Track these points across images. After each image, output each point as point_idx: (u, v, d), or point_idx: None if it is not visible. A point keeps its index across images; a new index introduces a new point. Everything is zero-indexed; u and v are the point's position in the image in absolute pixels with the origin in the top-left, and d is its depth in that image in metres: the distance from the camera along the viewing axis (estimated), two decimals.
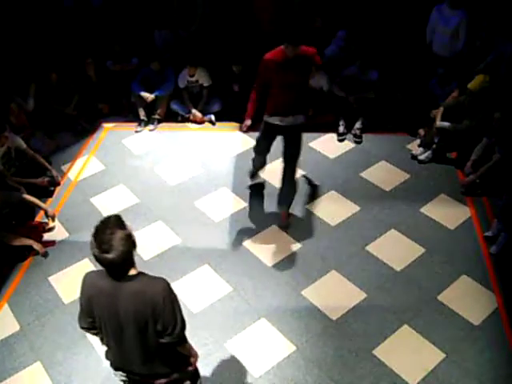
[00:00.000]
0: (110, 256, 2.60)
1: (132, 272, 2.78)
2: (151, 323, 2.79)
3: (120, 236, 2.64)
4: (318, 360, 4.47)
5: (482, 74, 6.27)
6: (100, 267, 2.75)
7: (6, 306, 5.08)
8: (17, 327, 4.87)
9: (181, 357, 3.17)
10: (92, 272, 2.95)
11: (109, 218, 2.72)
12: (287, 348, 4.58)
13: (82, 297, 2.92)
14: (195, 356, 3.28)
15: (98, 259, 2.64)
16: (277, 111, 5.24)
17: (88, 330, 3.07)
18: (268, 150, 5.79)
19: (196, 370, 3.44)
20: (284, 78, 5.01)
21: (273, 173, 6.36)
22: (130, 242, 2.70)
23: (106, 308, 2.82)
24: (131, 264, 2.77)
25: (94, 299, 2.85)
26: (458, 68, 6.88)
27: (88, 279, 2.91)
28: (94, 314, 2.91)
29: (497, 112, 5.78)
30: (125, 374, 3.18)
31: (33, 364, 4.55)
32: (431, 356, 4.46)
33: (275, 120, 5.28)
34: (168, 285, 2.83)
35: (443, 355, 4.45)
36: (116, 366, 3.17)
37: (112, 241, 2.60)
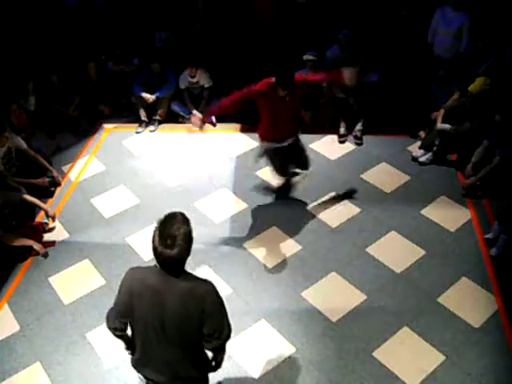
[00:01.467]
0: (172, 252, 2.60)
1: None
2: (196, 324, 2.75)
3: (185, 232, 2.65)
4: (318, 361, 4.47)
5: (483, 76, 6.27)
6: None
7: (5, 306, 5.08)
8: (17, 327, 4.87)
9: (208, 363, 3.14)
10: (137, 268, 2.92)
11: (175, 213, 2.73)
12: (287, 349, 4.58)
13: (123, 291, 2.85)
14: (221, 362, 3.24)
15: (159, 254, 2.62)
16: (275, 137, 5.33)
17: (115, 330, 2.98)
18: (288, 163, 5.79)
19: None
20: (277, 112, 5.08)
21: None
22: (191, 240, 2.71)
23: (151, 304, 2.76)
24: (185, 262, 2.75)
25: (138, 294, 2.78)
26: (459, 70, 6.89)
27: (133, 274, 2.87)
28: (133, 311, 2.83)
29: (497, 114, 5.78)
30: (147, 377, 3.11)
31: (32, 364, 4.54)
32: (431, 358, 4.45)
33: (274, 145, 5.38)
34: (215, 287, 2.82)
35: (443, 357, 4.45)
36: (143, 368, 3.07)
37: (178, 236, 2.61)
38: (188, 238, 2.68)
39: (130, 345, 3.11)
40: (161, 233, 2.63)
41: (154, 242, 2.64)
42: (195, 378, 3.04)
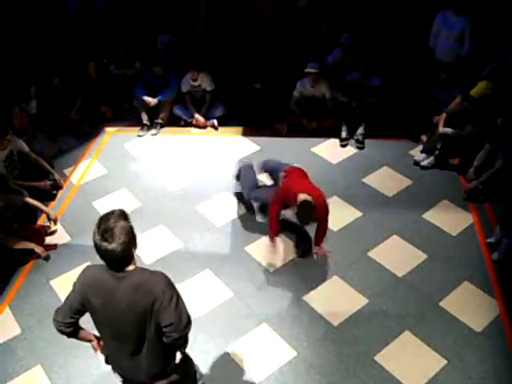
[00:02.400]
0: (110, 246, 2.62)
1: (131, 267, 2.79)
2: (149, 317, 2.77)
3: (123, 226, 2.68)
4: (319, 365, 4.46)
5: (485, 80, 6.27)
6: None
7: (7, 309, 5.08)
8: (18, 330, 4.87)
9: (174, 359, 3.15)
10: (93, 265, 2.94)
11: (113, 210, 2.76)
12: (288, 353, 4.57)
13: (78, 288, 2.89)
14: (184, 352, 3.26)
15: (99, 249, 2.66)
16: None
17: (60, 324, 2.96)
18: None
19: (194, 376, 3.41)
20: None
21: None
22: (131, 235, 2.73)
23: (105, 301, 2.80)
24: (130, 257, 2.77)
25: (92, 290, 2.83)
26: (460, 74, 6.89)
27: (88, 271, 2.92)
28: (90, 308, 2.87)
29: (499, 118, 5.78)
30: (121, 375, 3.17)
31: (33, 367, 4.54)
32: (433, 362, 4.44)
33: None
34: (167, 278, 2.83)
35: (445, 361, 4.44)
36: (112, 366, 3.16)
37: (114, 229, 2.64)
38: (127, 232, 2.69)
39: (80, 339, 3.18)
40: (98, 227, 2.67)
41: (93, 237, 2.68)
42: (160, 374, 3.06)
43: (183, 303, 2.87)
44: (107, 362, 3.20)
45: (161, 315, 2.76)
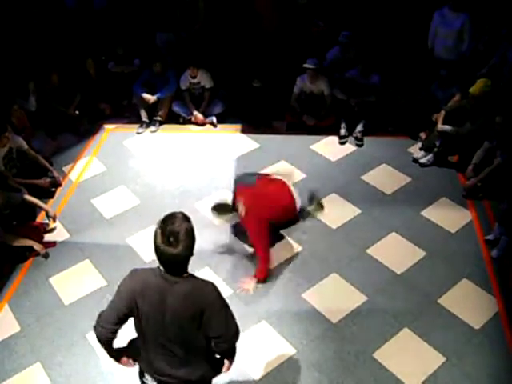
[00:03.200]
0: (175, 250, 2.57)
1: (184, 273, 2.75)
2: (196, 325, 2.73)
3: (187, 228, 2.63)
4: (319, 363, 4.47)
5: (484, 78, 6.27)
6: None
7: (6, 306, 5.08)
8: (17, 328, 4.87)
9: (217, 364, 3.14)
10: (138, 269, 2.88)
11: (175, 212, 2.70)
12: (287, 351, 4.58)
13: (124, 295, 2.80)
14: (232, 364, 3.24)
15: (162, 253, 2.60)
16: None
17: (110, 332, 2.88)
18: None
19: None
20: None
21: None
22: (194, 237, 2.68)
23: (153, 305, 2.74)
24: (189, 262, 2.72)
25: (141, 295, 2.75)
26: (460, 71, 6.88)
27: (136, 275, 2.83)
28: (137, 311, 2.79)
29: (498, 116, 5.78)
30: (155, 380, 3.10)
31: (33, 365, 4.54)
32: (431, 359, 4.45)
33: None
34: (217, 289, 2.79)
35: (443, 359, 4.45)
36: (147, 370, 3.09)
37: (180, 233, 2.58)
38: (191, 235, 2.65)
39: (111, 351, 3.08)
40: (163, 231, 2.60)
41: (155, 241, 2.61)
42: (198, 381, 3.02)
43: (232, 314, 2.85)
44: (141, 371, 3.13)
45: (209, 325, 2.73)
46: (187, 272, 2.76)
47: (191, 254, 2.69)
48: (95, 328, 2.90)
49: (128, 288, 2.80)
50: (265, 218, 5.09)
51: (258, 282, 5.14)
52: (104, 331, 2.88)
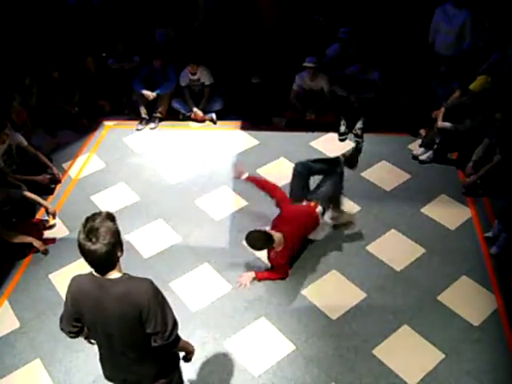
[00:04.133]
0: (94, 246, 2.58)
1: (117, 274, 2.75)
2: (139, 326, 2.75)
3: (109, 226, 2.63)
4: (318, 359, 4.47)
5: (484, 74, 6.27)
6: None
7: (6, 302, 5.09)
8: (17, 324, 4.87)
9: (172, 357, 3.14)
10: (78, 275, 2.89)
11: (101, 211, 2.72)
12: (287, 347, 4.58)
13: (68, 300, 2.88)
14: (193, 351, 3.26)
15: (82, 248, 2.61)
16: None
17: (68, 333, 3.01)
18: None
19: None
20: None
21: (273, 171, 6.42)
22: (117, 238, 2.68)
23: (94, 312, 2.78)
24: (115, 261, 2.73)
25: (81, 303, 2.81)
26: (460, 68, 6.88)
27: (74, 282, 2.87)
28: (83, 319, 2.87)
29: (498, 113, 5.78)
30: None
31: (32, 361, 4.55)
32: (431, 356, 4.46)
33: None
34: (152, 285, 2.78)
35: (443, 355, 4.45)
36: (107, 375, 3.16)
37: (100, 229, 2.59)
38: (111, 233, 2.64)
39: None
40: (84, 227, 2.63)
41: (78, 237, 2.64)
42: (155, 376, 3.05)
43: (170, 309, 2.84)
44: (106, 375, 3.18)
45: (147, 323, 2.74)
46: (119, 271, 2.77)
47: (114, 252, 2.68)
48: (61, 330, 3.04)
49: (70, 295, 2.87)
50: (299, 237, 5.13)
51: (256, 279, 5.15)
52: (66, 333, 3.03)
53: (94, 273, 2.75)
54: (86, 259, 2.67)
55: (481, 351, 4.49)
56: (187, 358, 3.28)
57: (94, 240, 2.58)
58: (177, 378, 3.23)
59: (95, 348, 4.57)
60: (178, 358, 3.20)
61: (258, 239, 4.79)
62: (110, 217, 2.70)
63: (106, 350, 2.99)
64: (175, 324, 2.86)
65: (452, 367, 4.36)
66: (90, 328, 2.93)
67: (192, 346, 3.25)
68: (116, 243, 2.67)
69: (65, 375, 4.43)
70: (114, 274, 2.74)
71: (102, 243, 2.59)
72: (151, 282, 2.80)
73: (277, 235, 4.88)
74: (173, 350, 2.99)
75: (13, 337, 4.76)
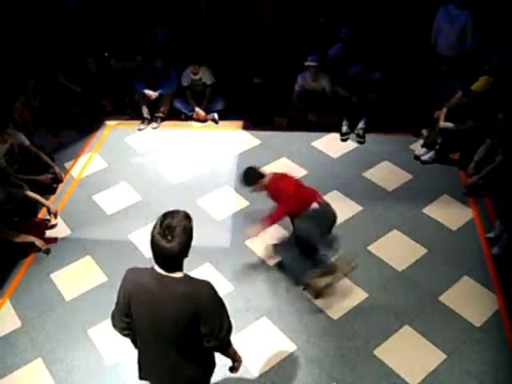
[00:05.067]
0: (168, 244, 2.58)
1: (179, 274, 2.74)
2: (193, 326, 2.74)
3: (185, 226, 2.65)
4: (319, 359, 4.47)
5: (486, 75, 6.26)
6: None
7: (7, 302, 5.09)
8: (18, 324, 4.88)
9: (210, 366, 3.15)
10: (135, 268, 2.90)
11: (179, 210, 2.74)
12: (288, 347, 4.58)
13: (122, 292, 2.85)
14: (239, 361, 3.26)
15: (155, 244, 2.61)
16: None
17: (121, 330, 2.98)
18: None
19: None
20: None
21: (275, 171, 6.41)
22: (191, 238, 2.70)
23: (148, 307, 2.75)
24: (183, 259, 2.73)
25: (135, 296, 2.78)
26: (462, 68, 6.87)
27: (130, 275, 2.86)
28: (131, 312, 2.84)
29: (500, 113, 5.78)
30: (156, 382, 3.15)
31: (34, 360, 4.55)
32: (432, 357, 4.45)
33: None
34: (212, 287, 2.79)
35: (444, 356, 4.45)
36: (145, 373, 3.10)
37: (177, 228, 2.60)
38: (187, 233, 2.66)
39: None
40: (161, 223, 2.63)
41: (152, 231, 2.64)
42: (195, 379, 3.03)
43: (226, 312, 2.85)
44: (141, 374, 3.13)
45: (204, 324, 2.74)
46: (181, 271, 2.76)
47: (185, 252, 2.70)
48: (113, 326, 3.00)
49: (124, 288, 2.85)
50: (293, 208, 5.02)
51: (263, 229, 4.94)
52: (118, 331, 2.98)
53: (156, 268, 2.73)
54: (156, 255, 2.67)
55: (482, 352, 4.48)
56: (234, 367, 3.28)
57: (169, 238, 2.59)
58: None
59: (96, 347, 4.61)
60: (213, 371, 3.19)
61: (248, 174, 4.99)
62: (188, 217, 2.73)
63: (150, 348, 2.93)
64: (230, 327, 2.87)
65: (453, 368, 4.36)
66: (136, 324, 2.88)
67: (240, 357, 3.24)
68: (189, 244, 2.69)
69: (66, 375, 4.42)
70: (177, 273, 2.74)
71: (178, 242, 2.60)
72: (210, 284, 2.80)
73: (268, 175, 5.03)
74: (224, 352, 3.02)
75: (14, 336, 4.77)
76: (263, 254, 5.48)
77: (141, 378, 3.13)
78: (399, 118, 7.37)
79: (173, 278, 2.72)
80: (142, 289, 2.75)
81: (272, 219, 4.94)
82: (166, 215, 2.67)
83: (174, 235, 2.59)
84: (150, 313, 2.76)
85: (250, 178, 4.95)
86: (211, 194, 6.34)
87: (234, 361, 3.23)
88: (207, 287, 2.78)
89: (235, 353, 3.17)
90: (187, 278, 2.77)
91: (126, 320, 2.91)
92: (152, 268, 2.75)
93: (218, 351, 3.01)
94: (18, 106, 6.67)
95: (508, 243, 5.30)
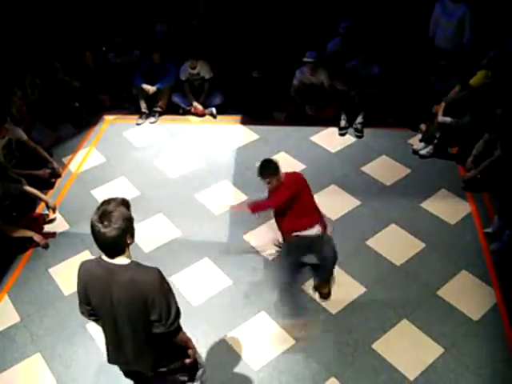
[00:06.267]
0: (104, 229, 2.64)
1: (125, 260, 2.80)
2: (143, 313, 2.82)
3: (122, 212, 2.70)
4: (317, 354, 4.48)
5: (485, 69, 6.25)
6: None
7: (6, 297, 5.09)
8: (17, 318, 4.88)
9: (175, 349, 3.19)
10: (88, 260, 2.98)
11: (117, 197, 2.79)
12: (286, 341, 4.59)
13: (78, 284, 2.96)
14: (193, 348, 3.29)
15: (93, 229, 2.68)
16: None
17: (88, 316, 3.10)
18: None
19: (194, 363, 3.45)
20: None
21: None
22: (129, 224, 2.74)
23: (101, 296, 2.85)
24: (123, 246, 2.78)
25: (89, 287, 2.88)
26: (460, 62, 6.87)
27: (83, 267, 2.95)
28: (91, 302, 2.94)
29: (498, 107, 5.77)
30: (122, 368, 3.25)
31: (33, 355, 4.56)
32: (430, 350, 4.47)
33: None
34: (160, 273, 2.84)
35: (442, 350, 4.46)
36: (110, 359, 3.20)
37: (113, 213, 2.66)
38: (124, 219, 2.70)
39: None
40: (98, 209, 2.71)
41: (92, 218, 2.70)
42: (158, 364, 3.13)
43: (174, 298, 2.91)
44: (108, 358, 3.22)
45: (152, 310, 2.81)
46: (126, 258, 2.81)
47: (123, 237, 2.73)
48: (81, 313, 3.13)
49: (79, 280, 2.95)
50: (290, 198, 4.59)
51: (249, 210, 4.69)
52: (86, 316, 3.13)
53: (103, 257, 2.82)
54: (96, 241, 2.73)
55: (480, 346, 4.50)
56: (187, 354, 3.29)
57: (105, 223, 2.65)
58: (182, 369, 3.30)
59: (95, 342, 4.62)
60: (178, 351, 3.23)
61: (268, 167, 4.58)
62: (125, 203, 2.79)
63: (111, 334, 3.04)
64: (178, 313, 2.92)
65: (451, 361, 4.37)
66: (97, 312, 2.99)
67: (192, 344, 3.27)
68: (127, 229, 2.73)
69: (65, 369, 4.44)
70: (122, 260, 2.80)
71: (113, 227, 2.65)
72: (158, 270, 2.85)
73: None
74: (172, 338, 3.04)
75: (13, 331, 4.78)
76: (262, 248, 5.48)
77: (109, 362, 3.22)
78: (397, 112, 7.37)
79: (119, 265, 2.79)
80: (93, 278, 2.86)
81: (260, 208, 4.69)
82: (103, 202, 2.74)
83: (110, 220, 2.65)
84: (104, 301, 2.86)
85: (273, 168, 4.55)
86: (209, 188, 6.34)
87: (187, 348, 3.25)
88: (154, 273, 2.82)
89: (187, 340, 3.21)
90: (133, 265, 2.82)
91: (89, 308, 3.01)
92: (100, 257, 2.84)
93: (168, 337, 3.02)
94: (15, 101, 6.65)
95: (509, 239, 5.28)
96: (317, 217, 4.61)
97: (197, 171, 6.65)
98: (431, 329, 4.63)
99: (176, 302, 2.91)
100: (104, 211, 2.67)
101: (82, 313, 3.10)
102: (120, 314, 2.85)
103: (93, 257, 5.33)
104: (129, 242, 2.79)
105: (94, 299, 2.90)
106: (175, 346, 3.17)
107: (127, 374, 3.40)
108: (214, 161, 6.83)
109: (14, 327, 4.81)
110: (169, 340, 3.05)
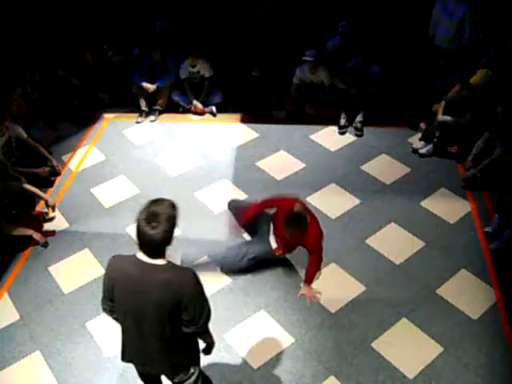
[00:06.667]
0: (151, 231, 2.63)
1: (162, 261, 2.78)
2: (175, 313, 2.81)
3: (169, 214, 2.70)
4: (317, 352, 4.49)
5: (485, 68, 6.25)
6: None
7: (5, 295, 5.09)
8: (16, 316, 4.88)
9: (196, 354, 3.22)
10: (120, 256, 2.95)
11: (164, 198, 2.80)
12: (286, 340, 4.60)
13: (106, 279, 2.92)
14: (213, 343, 3.32)
15: (139, 230, 2.66)
16: None
17: (110, 313, 3.07)
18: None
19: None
20: None
21: (273, 164, 6.42)
22: (174, 225, 2.74)
23: (131, 294, 2.81)
24: (164, 248, 2.77)
25: (117, 283, 2.84)
26: (460, 61, 6.86)
27: (114, 262, 2.92)
28: (116, 300, 2.90)
29: (499, 106, 5.77)
30: (140, 367, 3.23)
31: (32, 353, 4.56)
32: (429, 349, 4.47)
33: None
34: (195, 275, 2.83)
35: (441, 349, 4.46)
36: (125, 357, 3.16)
37: (161, 215, 2.66)
38: (171, 221, 2.70)
39: None
40: (146, 209, 2.70)
41: (138, 217, 2.69)
42: (179, 365, 3.12)
43: (206, 299, 2.92)
44: (123, 356, 3.18)
45: (186, 311, 2.81)
46: (164, 258, 2.80)
47: (168, 240, 2.73)
48: (103, 310, 3.11)
49: (107, 275, 2.92)
50: None
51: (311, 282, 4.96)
52: (107, 313, 3.10)
53: (140, 256, 2.79)
54: (140, 241, 2.71)
55: (479, 344, 4.50)
56: (207, 350, 3.35)
57: (154, 224, 2.63)
58: (196, 376, 3.28)
59: (95, 340, 4.61)
60: (199, 355, 3.27)
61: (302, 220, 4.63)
62: (173, 206, 2.78)
63: (133, 333, 2.98)
64: (209, 314, 2.96)
65: (450, 360, 4.38)
66: (120, 310, 2.94)
67: (213, 339, 3.29)
68: (172, 232, 2.72)
69: (65, 367, 4.44)
70: (159, 260, 2.78)
71: (161, 229, 2.64)
72: (193, 272, 2.85)
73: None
74: (201, 337, 3.11)
75: (12, 329, 4.77)
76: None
77: (123, 360, 3.19)
78: (397, 111, 7.36)
79: (155, 265, 2.76)
80: (124, 276, 2.81)
81: (313, 274, 4.96)
82: (152, 202, 2.74)
83: (158, 222, 2.64)
84: (132, 300, 2.82)
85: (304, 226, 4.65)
86: (209, 186, 6.34)
87: (208, 343, 3.29)
88: (190, 275, 2.82)
89: (210, 336, 3.24)
90: (170, 266, 2.81)
91: (111, 304, 2.98)
92: (134, 255, 2.81)
93: (195, 336, 3.08)
94: (15, 99, 6.65)
95: (510, 239, 5.28)
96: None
97: (196, 169, 6.65)
98: (430, 327, 4.64)
99: (208, 304, 2.93)
100: (153, 212, 2.66)
101: (104, 309, 3.08)
102: (150, 313, 2.81)
103: (92, 255, 5.40)
104: (170, 244, 2.78)
105: (122, 297, 2.86)
106: (198, 351, 3.22)
107: (142, 375, 3.41)
108: (213, 159, 6.82)
109: (13, 325, 4.81)
110: (194, 341, 3.10)
